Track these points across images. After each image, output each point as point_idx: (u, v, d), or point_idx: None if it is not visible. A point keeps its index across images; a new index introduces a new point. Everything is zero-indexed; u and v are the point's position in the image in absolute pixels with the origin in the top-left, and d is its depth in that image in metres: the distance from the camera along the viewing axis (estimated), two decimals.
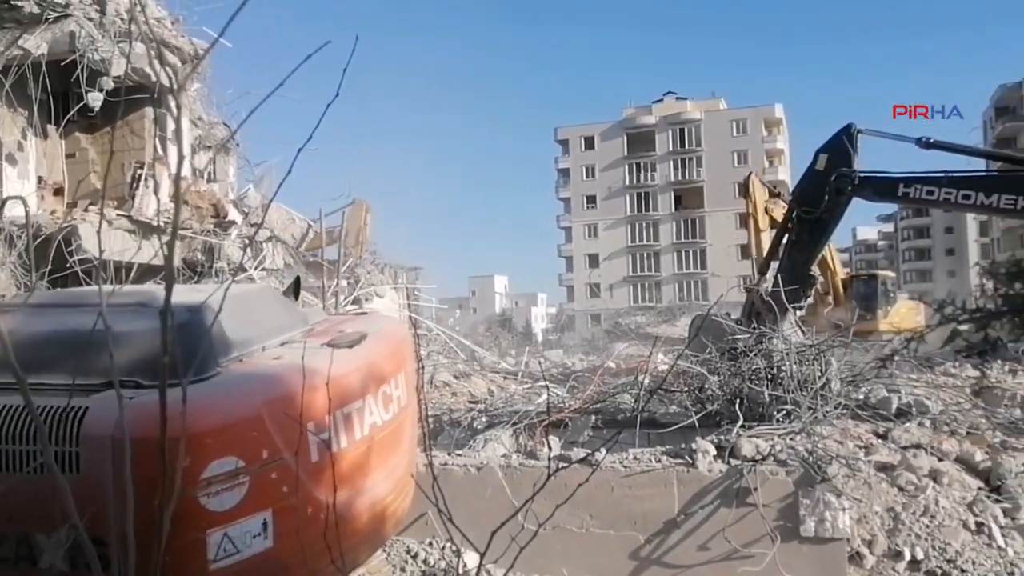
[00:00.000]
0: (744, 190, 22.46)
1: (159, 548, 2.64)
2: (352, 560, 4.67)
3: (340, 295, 19.70)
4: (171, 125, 17.13)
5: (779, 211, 20.36)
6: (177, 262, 15.94)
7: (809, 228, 15.92)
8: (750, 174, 23.76)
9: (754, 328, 12.80)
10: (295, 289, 6.25)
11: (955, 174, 14.46)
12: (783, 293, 15.31)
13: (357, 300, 19.99)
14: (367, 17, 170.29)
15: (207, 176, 19.32)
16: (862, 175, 15.06)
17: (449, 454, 8.51)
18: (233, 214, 17.44)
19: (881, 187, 15.20)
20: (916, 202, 14.99)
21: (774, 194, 23.93)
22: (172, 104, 16.64)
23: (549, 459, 8.10)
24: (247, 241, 17.11)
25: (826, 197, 15.20)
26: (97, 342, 3.34)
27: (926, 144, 14.51)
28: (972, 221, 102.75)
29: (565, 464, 3.08)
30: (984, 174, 15.33)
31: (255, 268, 17.12)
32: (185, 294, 4.46)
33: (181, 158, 2.02)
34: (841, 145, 15.30)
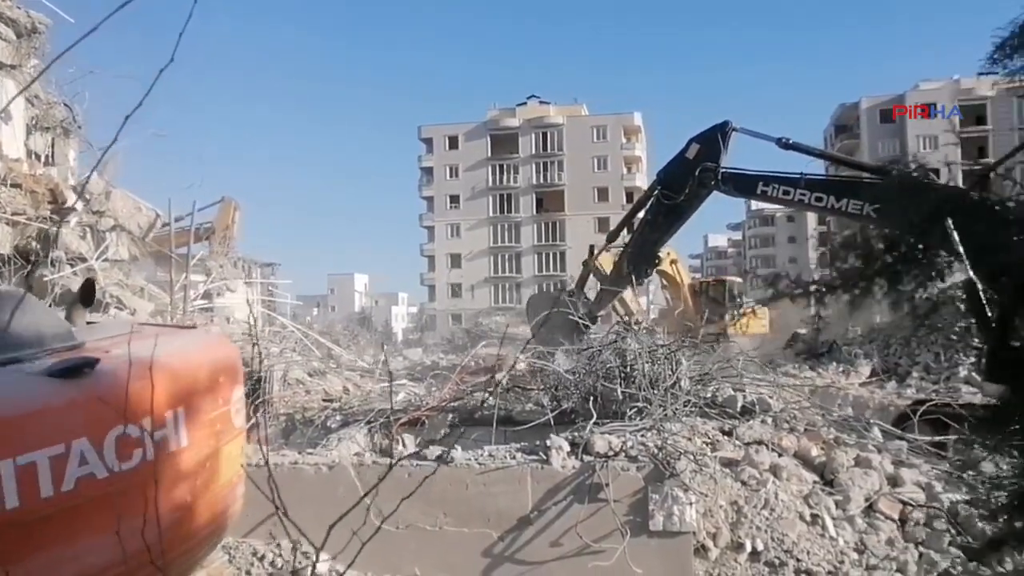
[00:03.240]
0: (592, 267, 22.65)
1: None
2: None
3: (188, 290, 18.85)
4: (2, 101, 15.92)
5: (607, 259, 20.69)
6: (7, 249, 14.84)
7: (666, 212, 16.40)
8: (591, 247, 24.14)
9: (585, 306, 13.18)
10: (85, 295, 5.32)
11: (811, 176, 15.26)
12: (625, 268, 15.80)
13: (208, 295, 19.18)
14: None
15: (44, 159, 18.07)
16: (725, 171, 15.64)
17: (300, 452, 8.26)
18: (73, 200, 16.39)
19: (741, 184, 15.81)
20: (773, 200, 15.71)
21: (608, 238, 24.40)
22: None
23: (398, 456, 7.99)
24: (87, 229, 16.12)
25: (689, 186, 15.69)
26: None
27: (785, 145, 15.25)
28: (813, 231, 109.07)
29: (414, 454, 2.97)
30: (836, 178, 16.17)
31: (97, 258, 16.13)
32: None
33: None
34: (714, 139, 15.84)
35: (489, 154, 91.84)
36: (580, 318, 14.48)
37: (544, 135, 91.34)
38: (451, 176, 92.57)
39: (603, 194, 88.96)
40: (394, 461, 2.39)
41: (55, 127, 17.42)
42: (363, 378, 16.45)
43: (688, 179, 15.72)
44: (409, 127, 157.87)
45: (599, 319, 18.44)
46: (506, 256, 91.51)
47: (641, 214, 17.65)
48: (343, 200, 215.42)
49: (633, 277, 17.80)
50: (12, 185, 15.50)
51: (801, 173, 14.97)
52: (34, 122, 17.56)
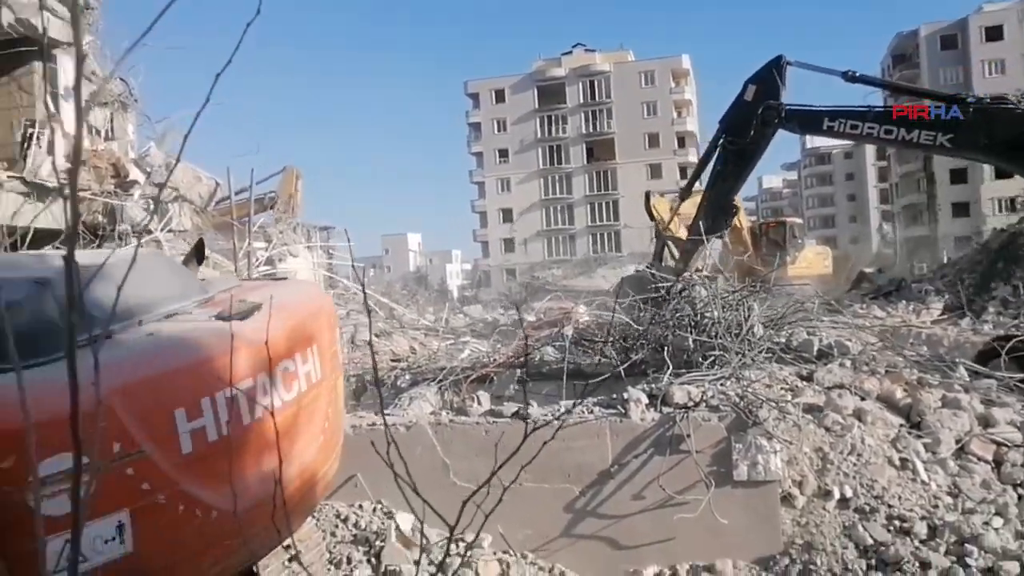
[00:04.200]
0: (647, 210, 22.83)
1: None
2: (308, 508, 4.42)
3: (252, 256, 19.04)
4: (64, 80, 16.10)
5: (691, 203, 20.58)
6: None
7: (734, 158, 16.02)
8: (648, 193, 24.16)
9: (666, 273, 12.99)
10: (197, 254, 5.68)
11: (879, 109, 14.71)
12: (702, 224, 15.51)
13: (271, 260, 19.37)
14: None
15: (104, 134, 18.30)
16: (788, 108, 15.17)
17: (376, 414, 8.28)
18: (135, 174, 16.60)
19: (806, 120, 15.35)
20: (840, 135, 15.24)
21: (681, 195, 24.33)
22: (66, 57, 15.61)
23: (473, 413, 7.96)
24: (151, 202, 16.32)
25: (752, 128, 15.28)
26: None
27: (852, 77, 14.71)
28: (872, 168, 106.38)
29: (543, 424, 2.86)
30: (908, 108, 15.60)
31: (161, 230, 16.35)
32: (84, 257, 4.03)
33: (81, 109, 1.71)
34: (770, 77, 15.36)
35: (536, 106, 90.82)
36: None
37: (591, 83, 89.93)
38: (499, 130, 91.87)
39: (654, 140, 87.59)
40: (529, 431, 2.28)
41: (113, 102, 17.59)
42: (427, 336, 16.49)
43: (750, 121, 15.27)
44: (455, 83, 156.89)
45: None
46: (558, 208, 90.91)
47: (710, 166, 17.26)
48: (393, 160, 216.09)
49: (710, 234, 17.49)
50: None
51: (868, 106, 14.43)
52: (92, 98, 17.74)
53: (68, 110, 16.57)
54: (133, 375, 3.49)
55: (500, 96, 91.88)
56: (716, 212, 16.74)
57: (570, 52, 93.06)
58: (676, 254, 18.66)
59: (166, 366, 3.45)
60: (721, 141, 16.16)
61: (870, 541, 6.57)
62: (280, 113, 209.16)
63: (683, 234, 18.64)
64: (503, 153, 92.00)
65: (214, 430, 3.73)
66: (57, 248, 10.94)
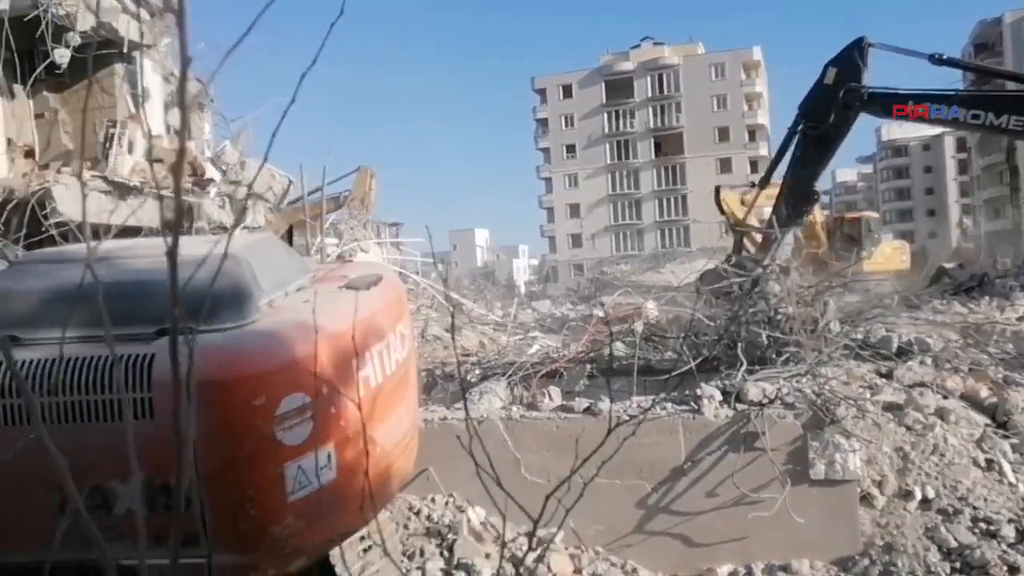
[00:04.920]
0: (717, 204, 22.60)
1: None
2: (383, 498, 4.81)
3: (323, 252, 19.37)
4: (142, 81, 16.60)
5: (763, 196, 20.29)
6: (155, 223, 15.55)
7: (815, 143, 15.69)
8: (717, 187, 23.93)
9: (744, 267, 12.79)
10: (288, 239, 6.07)
11: (968, 92, 14.22)
12: (783, 212, 15.24)
13: (341, 256, 19.69)
14: None
15: None
16: (871, 91, 14.78)
17: (448, 408, 8.34)
18: (211, 172, 17.02)
19: (890, 103, 14.92)
20: (926, 120, 14.77)
21: (752, 184, 24.10)
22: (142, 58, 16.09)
23: (544, 408, 7.97)
24: (227, 199, 16.73)
25: (833, 112, 14.93)
26: (146, 292, 3.57)
27: (939, 60, 14.26)
28: (951, 160, 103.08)
29: (624, 421, 2.87)
30: (996, 93, 15.09)
31: (236, 227, 16.74)
32: (195, 246, 4.30)
33: (183, 105, 1.76)
34: (851, 59, 14.99)
35: (604, 100, 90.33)
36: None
37: (660, 77, 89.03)
38: (567, 125, 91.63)
39: (724, 134, 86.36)
40: (612, 426, 2.28)
41: (190, 102, 18.07)
42: (496, 331, 16.55)
43: (831, 105, 14.90)
44: (523, 79, 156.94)
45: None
46: (625, 203, 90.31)
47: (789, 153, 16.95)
48: (461, 157, 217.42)
49: (791, 220, 17.20)
50: (155, 160, 16.19)
51: (955, 89, 13.96)
52: (170, 99, 18.25)
53: (148, 110, 17.08)
54: (325, 331, 3.91)
55: (567, 91, 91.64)
56: (797, 199, 16.43)
57: (638, 46, 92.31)
58: (750, 248, 18.40)
59: (341, 325, 3.86)
60: (801, 127, 15.83)
61: (954, 543, 6.38)
62: (348, 110, 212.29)
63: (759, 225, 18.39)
64: (570, 148, 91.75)
65: (373, 379, 4.36)
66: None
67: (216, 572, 3.57)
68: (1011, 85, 18.08)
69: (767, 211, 19.05)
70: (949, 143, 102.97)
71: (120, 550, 1.43)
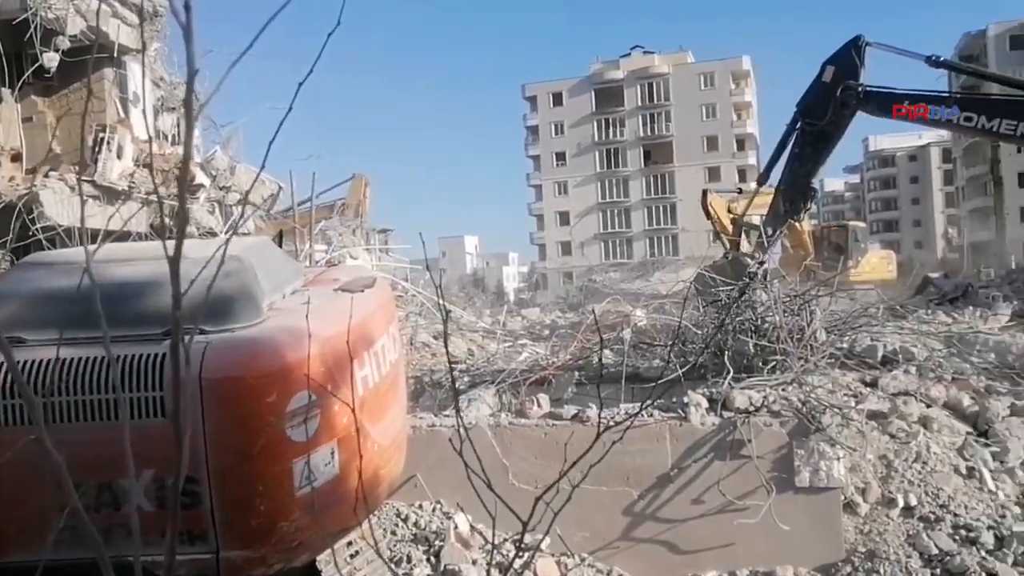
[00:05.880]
0: (703, 208, 22.89)
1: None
2: (373, 502, 4.82)
3: (312, 258, 19.37)
4: (132, 85, 16.59)
5: (743, 205, 20.59)
6: (144, 228, 15.53)
7: (812, 140, 15.87)
8: (704, 191, 24.21)
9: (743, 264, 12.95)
10: (278, 243, 6.13)
11: (962, 94, 14.36)
12: (781, 207, 15.42)
13: (330, 262, 19.69)
14: None
15: (171, 139, 18.79)
16: (867, 89, 14.94)
17: (436, 415, 8.38)
18: (200, 177, 17.01)
19: (885, 102, 15.07)
20: (919, 121, 14.92)
21: (739, 191, 24.42)
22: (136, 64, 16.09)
23: (532, 415, 8.01)
24: (216, 205, 16.72)
25: (831, 110, 15.09)
26: (153, 294, 3.73)
27: (935, 62, 14.45)
28: (937, 171, 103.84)
29: (612, 426, 2.91)
30: (991, 97, 15.25)
31: (225, 231, 16.74)
32: (195, 249, 4.41)
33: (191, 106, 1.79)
34: (848, 57, 15.16)
35: (594, 109, 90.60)
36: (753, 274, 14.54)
37: (650, 86, 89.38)
38: (557, 133, 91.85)
39: (712, 143, 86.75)
40: (600, 432, 2.33)
41: (180, 107, 18.06)
42: (484, 339, 16.57)
43: (828, 103, 15.08)
44: (513, 87, 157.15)
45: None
46: (615, 211, 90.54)
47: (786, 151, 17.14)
48: (449, 163, 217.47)
49: (789, 216, 17.46)
50: (144, 165, 16.18)
51: (950, 91, 14.10)
52: (160, 103, 18.25)
53: (136, 115, 17.06)
54: (326, 332, 4.07)
55: (558, 99, 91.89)
56: (794, 195, 16.64)
57: (628, 54, 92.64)
58: (747, 248, 18.65)
59: (341, 326, 3.91)
60: (799, 124, 16.01)
61: (935, 550, 6.45)
62: (338, 115, 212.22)
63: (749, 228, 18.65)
64: (560, 156, 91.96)
65: (370, 379, 4.45)
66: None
67: (224, 567, 3.65)
68: (996, 88, 18.34)
69: (755, 219, 19.26)
70: (935, 154, 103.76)
71: (132, 547, 1.46)
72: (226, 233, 16.89)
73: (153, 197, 15.88)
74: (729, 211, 23.20)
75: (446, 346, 3.05)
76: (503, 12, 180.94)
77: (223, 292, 3.78)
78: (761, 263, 16.42)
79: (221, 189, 17.28)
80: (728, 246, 20.02)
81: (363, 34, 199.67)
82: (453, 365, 12.39)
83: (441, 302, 3.58)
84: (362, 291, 4.86)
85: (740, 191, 26.36)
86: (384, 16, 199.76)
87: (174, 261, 1.20)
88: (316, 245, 20.39)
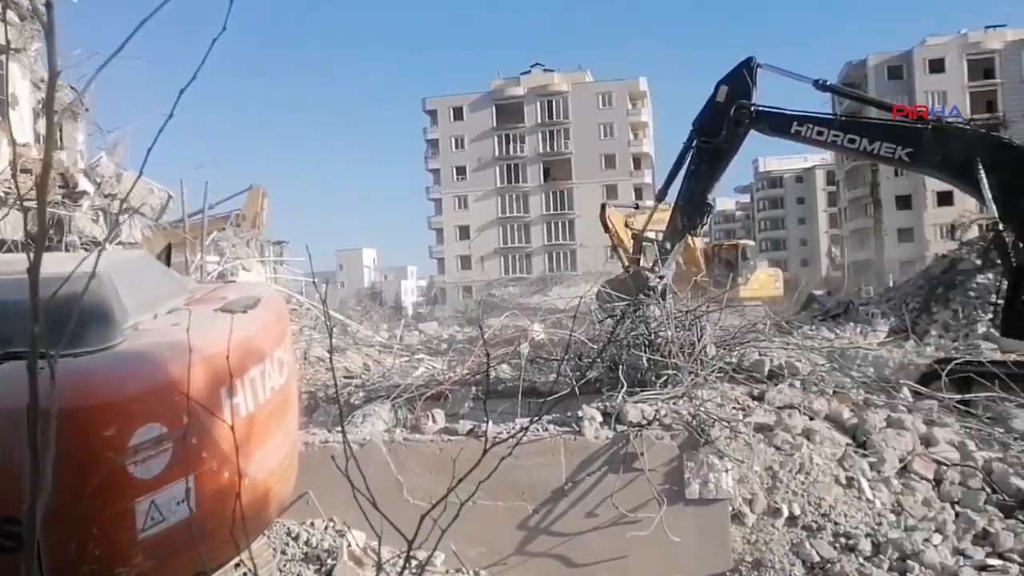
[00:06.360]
0: (602, 221, 23.48)
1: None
2: (259, 525, 4.71)
3: (203, 270, 18.79)
4: (11, 86, 15.80)
5: (640, 220, 21.21)
6: (19, 235, 14.79)
7: (707, 158, 16.33)
8: (603, 205, 24.84)
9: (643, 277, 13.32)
10: (166, 257, 5.82)
11: (847, 118, 15.08)
12: (679, 221, 15.91)
13: (223, 275, 19.14)
14: None
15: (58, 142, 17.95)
16: (760, 109, 15.49)
17: (329, 431, 8.21)
18: (84, 184, 16.31)
19: (776, 122, 15.65)
20: (806, 140, 15.55)
21: (636, 207, 25.13)
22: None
23: (428, 431, 7.95)
24: (100, 213, 16.05)
25: (725, 128, 15.58)
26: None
27: (823, 86, 15.13)
28: (822, 192, 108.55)
29: (500, 441, 2.90)
30: (873, 121, 15.99)
31: (111, 241, 16.08)
32: (58, 263, 4.12)
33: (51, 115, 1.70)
34: (741, 78, 15.67)
35: (494, 124, 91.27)
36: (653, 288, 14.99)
37: (549, 103, 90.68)
38: (457, 147, 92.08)
39: (610, 161, 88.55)
40: (487, 447, 2.32)
41: (63, 111, 17.28)
42: (381, 353, 16.40)
43: (722, 122, 15.59)
44: (414, 99, 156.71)
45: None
46: (515, 226, 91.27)
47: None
48: (348, 174, 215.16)
49: (687, 231, 18.01)
50: (22, 171, 15.41)
51: (836, 114, 14.76)
52: (41, 106, 17.41)
53: (15, 117, 16.25)
54: (205, 352, 3.83)
55: (458, 114, 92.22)
56: (692, 211, 17.11)
57: (529, 72, 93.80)
58: (640, 260, 19.17)
59: (209, 350, 3.74)
60: (695, 142, 16.49)
61: (817, 558, 6.67)
62: (235, 124, 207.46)
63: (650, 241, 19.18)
64: (460, 170, 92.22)
65: (244, 407, 4.22)
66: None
67: None
68: (875, 112, 19.37)
69: (649, 234, 19.77)
70: (820, 176, 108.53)
71: None
72: (112, 244, 16.23)
73: (33, 204, 15.15)
74: (627, 225, 23.79)
75: (331, 360, 2.89)
76: (405, 23, 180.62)
77: (73, 311, 3.56)
78: (661, 277, 16.96)
79: (106, 197, 16.59)
80: (626, 261, 20.51)
81: (265, 43, 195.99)
82: (348, 380, 12.21)
83: (328, 312, 3.50)
84: (244, 311, 4.57)
85: (637, 207, 27.14)
86: (283, 23, 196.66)
87: (33, 272, 1.13)
88: (208, 257, 19.81)
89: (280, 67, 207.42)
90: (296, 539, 7.28)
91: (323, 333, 16.39)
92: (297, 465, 5.34)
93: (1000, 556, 6.47)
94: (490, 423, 7.42)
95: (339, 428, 8.41)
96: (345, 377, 12.68)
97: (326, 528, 7.37)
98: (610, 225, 23.40)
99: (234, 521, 3.23)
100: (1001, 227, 12.01)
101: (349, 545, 7.16)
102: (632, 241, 21.13)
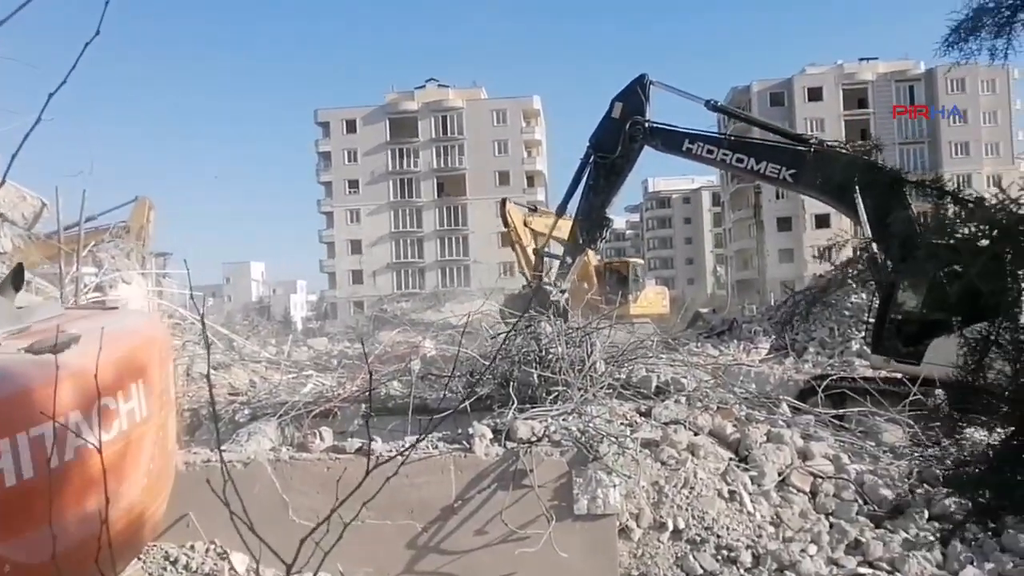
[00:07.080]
0: (502, 215, 23.86)
1: None
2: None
3: (80, 282, 17.93)
4: None
5: (540, 222, 21.57)
6: None
7: (605, 173, 16.68)
8: (504, 200, 25.28)
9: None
10: (15, 279, 5.20)
11: (735, 138, 15.68)
12: (579, 236, 16.19)
13: (100, 287, 18.31)
14: None
15: None
16: (653, 125, 15.90)
17: (211, 450, 7.94)
18: None
19: (668, 139, 16.12)
20: (697, 158, 16.08)
21: (532, 209, 25.53)
22: None
23: (315, 449, 7.78)
24: None
25: (620, 144, 15.92)
26: None
27: (713, 107, 15.72)
28: (707, 213, 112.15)
29: (386, 460, 2.83)
30: (758, 142, 16.64)
31: None
32: None
33: None
34: (635, 94, 16.08)
35: (388, 138, 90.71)
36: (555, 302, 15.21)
37: (444, 119, 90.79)
38: (350, 160, 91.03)
39: (504, 178, 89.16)
40: (370, 468, 2.27)
41: None
42: (268, 370, 16.00)
43: (618, 137, 15.97)
44: (305, 110, 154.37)
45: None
46: (408, 241, 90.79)
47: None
48: (235, 185, 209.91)
49: (586, 244, 18.35)
50: None
51: (726, 134, 15.33)
52: None
53: None
54: None
55: (351, 126, 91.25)
56: (590, 225, 17.44)
57: (423, 86, 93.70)
58: (533, 274, 19.55)
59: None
60: (592, 158, 16.80)
61: (700, 571, 6.83)
62: (116, 131, 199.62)
63: (531, 254, 19.52)
64: (353, 184, 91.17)
65: (12, 475, 3.45)
66: None
67: None
68: (757, 132, 20.20)
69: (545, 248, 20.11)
70: (706, 197, 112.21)
71: None
72: None
73: None
74: (525, 224, 24.06)
75: (209, 380, 2.64)
76: (293, 34, 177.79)
77: None
78: (563, 291, 17.25)
79: None
80: (524, 266, 20.84)
81: (143, 53, 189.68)
82: (233, 397, 11.86)
83: (207, 329, 3.33)
84: (53, 352, 3.75)
85: (535, 208, 27.51)
86: (170, 34, 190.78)
87: None
88: (85, 269, 18.92)
89: (164, 75, 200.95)
90: (175, 563, 6.99)
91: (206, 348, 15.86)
92: (166, 493, 5.08)
93: (871, 564, 6.77)
94: (378, 441, 7.32)
95: (223, 447, 8.15)
96: (230, 394, 12.30)
97: (207, 551, 7.10)
98: (510, 220, 23.72)
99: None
100: (875, 247, 12.67)
101: (231, 568, 6.93)
102: (536, 258, 21.38)
